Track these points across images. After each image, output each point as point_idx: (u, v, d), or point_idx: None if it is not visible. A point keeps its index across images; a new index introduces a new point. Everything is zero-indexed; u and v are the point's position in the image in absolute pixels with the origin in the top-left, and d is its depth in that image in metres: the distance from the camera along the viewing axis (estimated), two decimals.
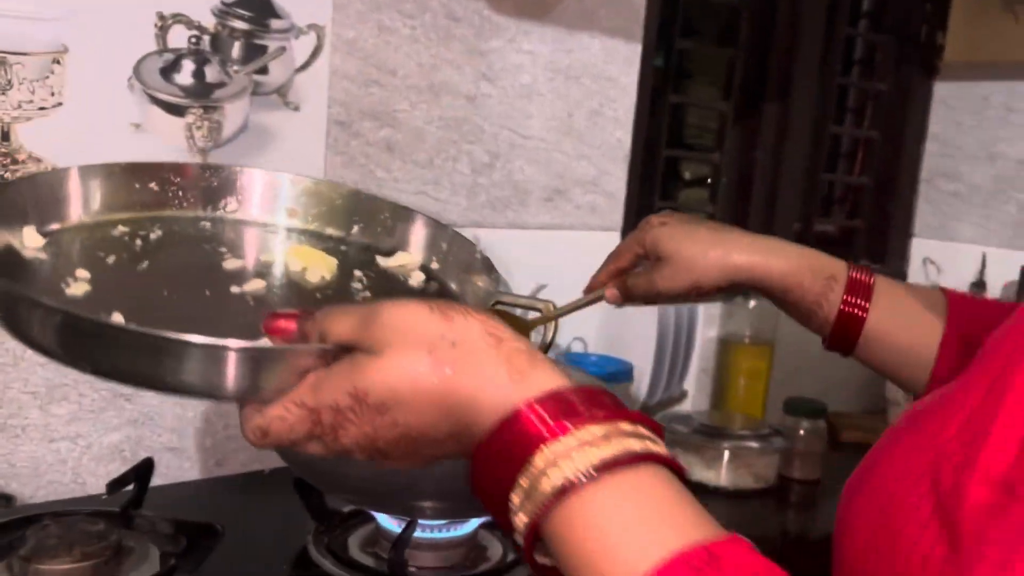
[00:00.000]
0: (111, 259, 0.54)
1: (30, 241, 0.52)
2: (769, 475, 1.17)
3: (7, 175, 0.80)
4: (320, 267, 0.59)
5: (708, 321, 1.35)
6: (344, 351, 0.40)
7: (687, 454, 1.17)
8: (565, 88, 1.14)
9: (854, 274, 0.71)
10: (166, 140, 0.87)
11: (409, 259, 0.63)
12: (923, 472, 0.42)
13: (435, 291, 0.62)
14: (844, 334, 0.70)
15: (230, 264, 0.57)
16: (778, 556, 0.94)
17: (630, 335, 1.26)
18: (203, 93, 0.87)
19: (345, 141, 0.98)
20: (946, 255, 1.63)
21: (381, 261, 0.62)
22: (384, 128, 1.00)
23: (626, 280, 0.74)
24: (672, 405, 1.33)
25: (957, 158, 1.62)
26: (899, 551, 0.41)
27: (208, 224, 0.61)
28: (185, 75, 0.86)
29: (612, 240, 1.22)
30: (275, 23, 0.91)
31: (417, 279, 0.62)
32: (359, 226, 0.64)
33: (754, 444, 1.15)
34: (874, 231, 1.66)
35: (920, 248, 1.67)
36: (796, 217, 1.53)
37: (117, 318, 0.44)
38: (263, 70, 0.91)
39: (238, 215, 0.62)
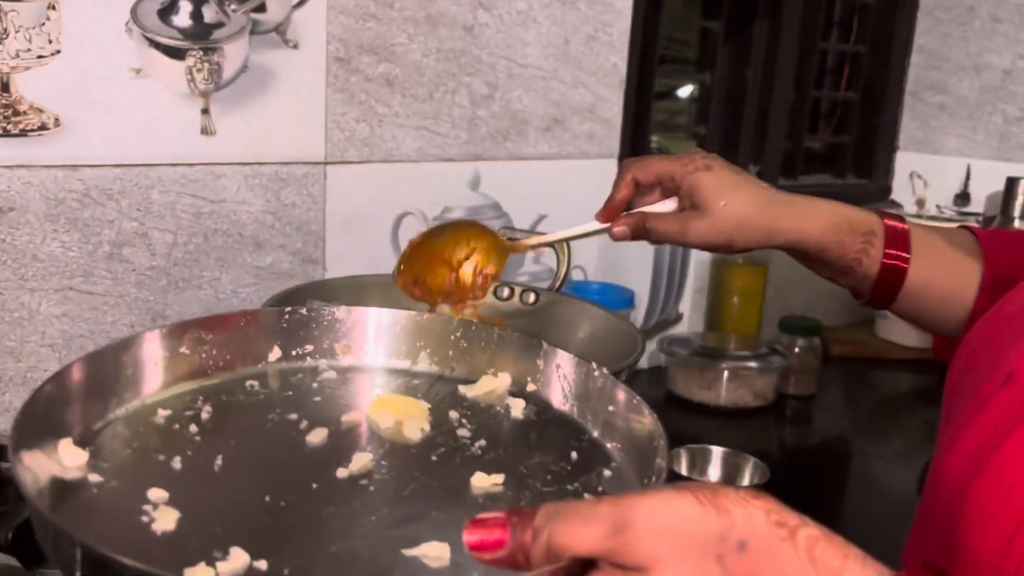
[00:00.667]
0: (176, 462, 0.45)
1: (70, 459, 0.44)
2: (768, 393, 1.21)
3: (9, 127, 0.78)
4: (416, 417, 0.51)
5: (697, 258, 1.37)
6: (588, 566, 0.32)
7: (688, 376, 1.20)
8: (561, 13, 1.12)
9: (890, 223, 0.69)
10: (166, 85, 0.85)
11: (496, 383, 0.56)
12: None
13: (552, 419, 0.53)
14: (888, 287, 0.69)
15: (315, 437, 0.49)
16: (778, 467, 0.97)
17: (628, 261, 1.28)
18: (202, 34, 0.85)
19: (345, 78, 0.96)
20: (931, 168, 1.65)
21: (466, 391, 0.56)
22: (383, 63, 0.99)
23: (646, 220, 0.69)
24: (668, 327, 1.35)
25: (943, 70, 1.63)
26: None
27: (256, 383, 0.53)
28: (183, 16, 0.84)
29: (610, 168, 1.23)
30: None
31: (519, 408, 0.54)
32: (426, 352, 0.57)
33: (753, 364, 1.19)
34: (861, 146, 1.68)
35: (905, 161, 1.69)
36: (785, 135, 1.54)
37: (241, 558, 0.38)
38: (260, 8, 0.89)
39: (283, 363, 0.55)
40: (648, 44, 1.28)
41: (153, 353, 0.50)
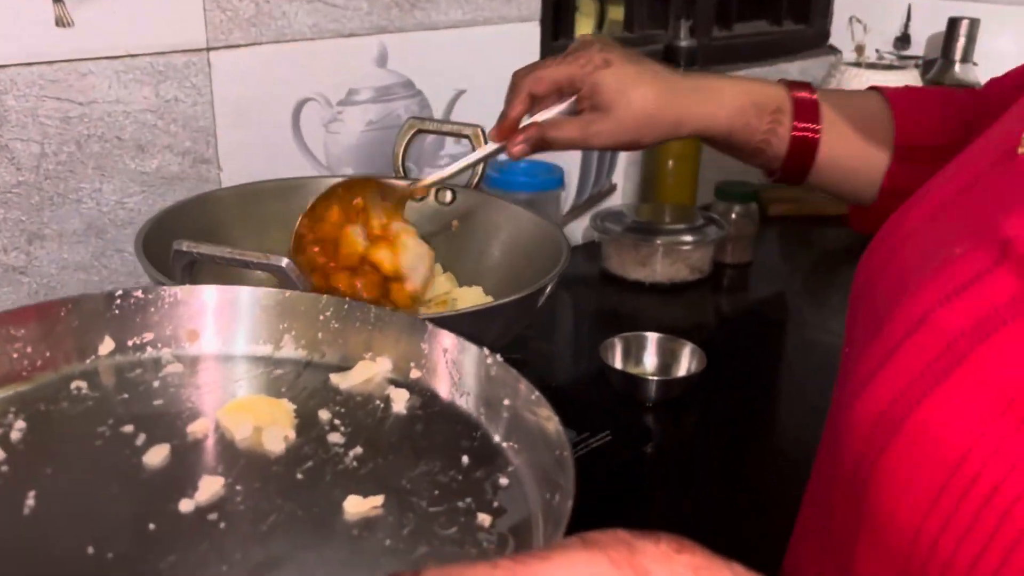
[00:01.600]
0: None
1: None
2: (704, 266, 1.17)
3: None
4: (278, 422, 0.43)
5: None
6: None
7: (622, 253, 1.16)
8: None
9: (798, 95, 0.66)
10: None
11: (374, 370, 0.47)
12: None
13: (439, 414, 0.45)
14: (799, 162, 0.66)
15: (154, 457, 0.40)
16: (715, 343, 0.96)
17: None
18: None
19: None
20: (870, 10, 1.57)
21: (338, 381, 0.47)
22: None
23: (544, 132, 0.65)
24: (602, 200, 1.29)
25: None
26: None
27: (84, 385, 0.44)
28: None
29: (531, 32, 1.13)
30: None
31: (401, 401, 0.46)
32: (290, 335, 0.48)
33: (689, 238, 1.14)
34: None
35: (844, 4, 1.60)
36: None
37: None
38: None
39: (118, 357, 0.45)
40: None
41: None
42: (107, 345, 0.46)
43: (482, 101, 1.10)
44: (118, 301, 0.46)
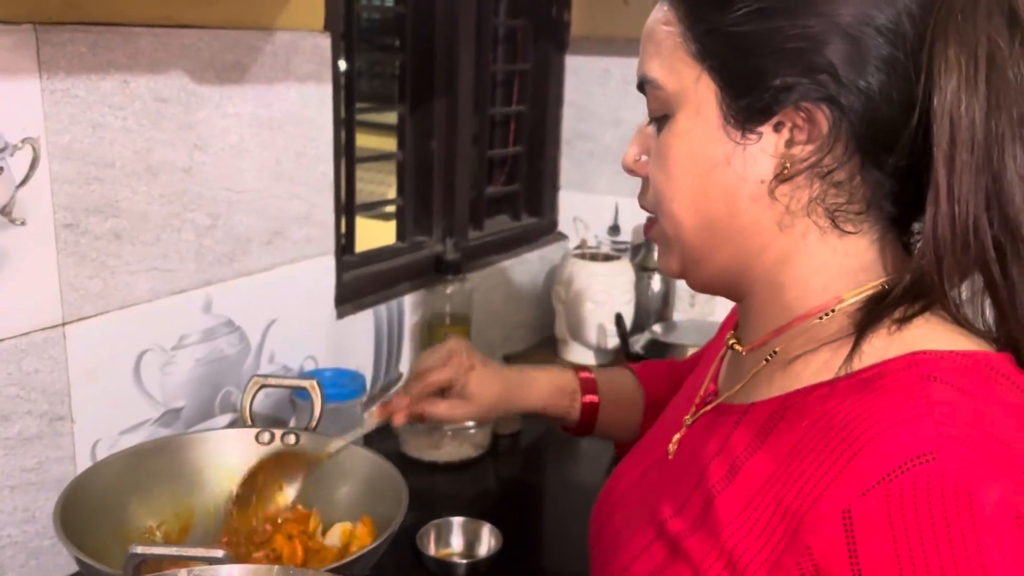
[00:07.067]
0: None
1: None
2: (485, 442, 1.42)
3: None
4: None
5: (413, 308, 1.54)
6: None
7: (418, 439, 1.38)
8: (271, 139, 1.21)
9: (583, 376, 0.99)
10: None
11: None
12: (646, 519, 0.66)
13: None
14: (589, 419, 0.99)
15: None
16: (501, 500, 1.32)
17: (351, 341, 1.42)
18: None
19: (75, 241, 0.99)
20: (588, 204, 1.94)
21: None
22: (110, 219, 1.02)
23: (422, 409, 0.93)
24: (391, 388, 1.51)
25: (590, 122, 1.92)
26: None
27: None
28: None
29: (327, 262, 1.35)
30: None
31: None
32: None
33: (471, 422, 1.38)
34: (530, 190, 1.93)
35: (567, 200, 1.97)
36: (469, 189, 1.74)
37: None
38: None
39: None
40: (349, 145, 1.40)
41: None
42: None
43: (291, 325, 1.29)
44: None
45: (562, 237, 1.98)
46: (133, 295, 1.07)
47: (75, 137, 0.97)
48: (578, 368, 1.01)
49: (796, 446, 0.55)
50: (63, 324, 1.00)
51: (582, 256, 1.78)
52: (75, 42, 0.96)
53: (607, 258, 1.77)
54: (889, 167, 0.58)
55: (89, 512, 0.83)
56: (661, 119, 0.64)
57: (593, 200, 1.94)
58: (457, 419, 0.96)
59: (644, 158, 0.68)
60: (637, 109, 1.88)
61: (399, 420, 0.92)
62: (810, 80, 0.56)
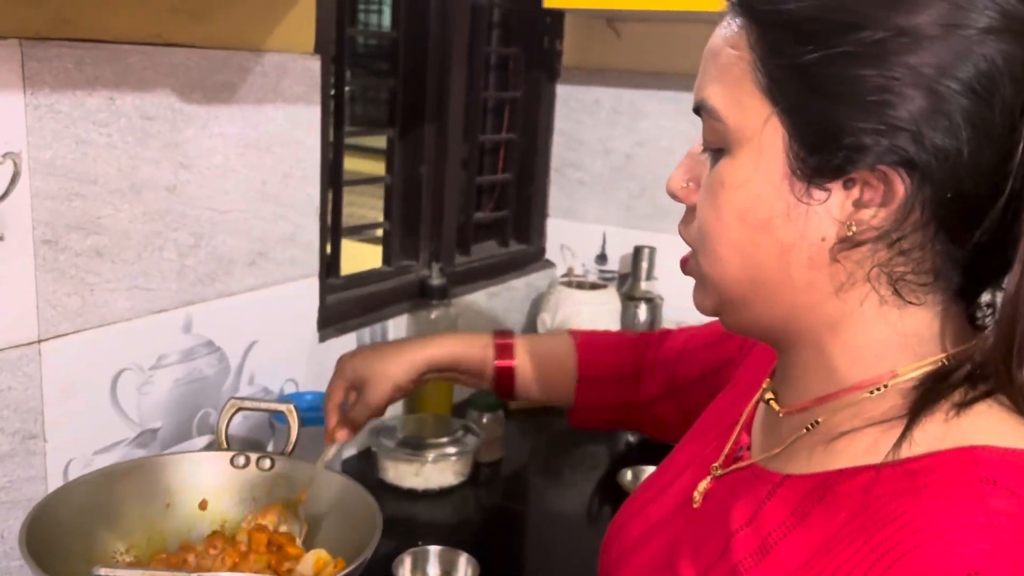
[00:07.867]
0: None
1: None
2: (466, 469, 1.40)
3: None
4: None
5: (397, 333, 1.53)
6: None
7: (397, 465, 1.36)
8: (258, 159, 1.20)
9: (500, 341, 1.02)
10: None
11: None
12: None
13: None
14: (506, 383, 1.02)
15: None
16: (481, 528, 1.33)
17: (328, 365, 1.40)
18: None
19: (54, 258, 0.98)
20: (576, 232, 1.94)
21: None
22: (91, 236, 1.01)
23: (347, 418, 0.96)
24: None
25: (580, 151, 1.92)
26: None
27: None
28: None
29: (310, 285, 1.34)
30: None
31: None
32: None
33: (453, 449, 1.37)
34: (519, 217, 1.93)
35: (555, 228, 1.97)
36: (458, 214, 1.74)
37: None
38: None
39: None
40: (336, 167, 1.40)
41: None
42: None
43: (273, 347, 1.28)
44: None
45: (549, 265, 1.98)
46: (112, 313, 1.06)
47: (57, 153, 0.96)
48: (497, 333, 1.04)
49: (835, 536, 0.51)
50: (39, 341, 0.98)
51: (569, 284, 1.77)
52: (61, 57, 0.95)
53: (594, 287, 1.77)
54: (968, 243, 0.52)
55: (58, 534, 0.81)
56: (717, 151, 0.57)
57: (581, 228, 1.94)
58: (376, 402, 0.98)
59: (691, 184, 0.61)
60: (626, 139, 1.89)
61: (340, 435, 0.99)
62: (890, 140, 0.50)
